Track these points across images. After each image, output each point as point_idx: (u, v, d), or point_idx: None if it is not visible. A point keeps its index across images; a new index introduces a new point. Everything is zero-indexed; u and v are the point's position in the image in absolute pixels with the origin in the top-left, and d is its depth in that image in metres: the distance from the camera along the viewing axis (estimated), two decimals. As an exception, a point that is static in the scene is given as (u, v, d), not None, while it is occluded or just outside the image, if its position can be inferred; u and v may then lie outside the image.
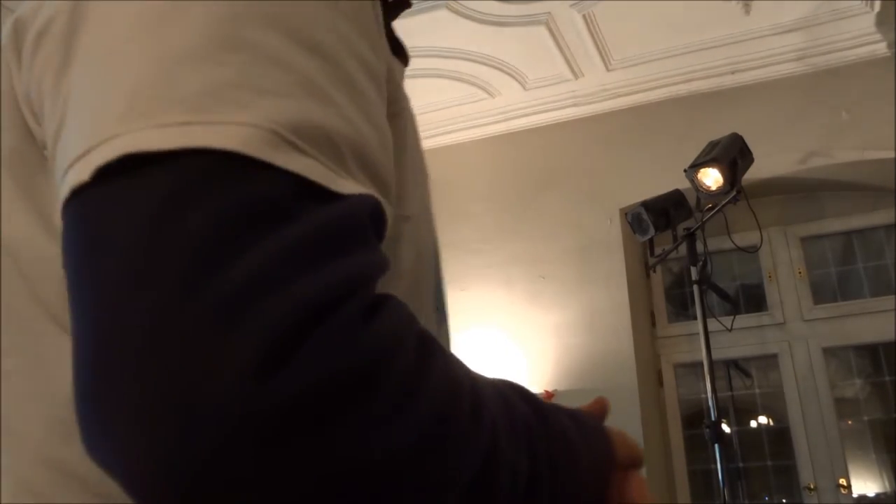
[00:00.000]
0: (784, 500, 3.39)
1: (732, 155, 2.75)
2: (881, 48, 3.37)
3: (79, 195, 0.34)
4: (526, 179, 3.81)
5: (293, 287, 0.31)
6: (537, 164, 3.83)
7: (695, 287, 2.83)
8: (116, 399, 0.30)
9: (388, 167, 0.41)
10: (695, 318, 2.82)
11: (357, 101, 0.39)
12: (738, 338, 3.38)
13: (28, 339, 0.44)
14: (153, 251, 0.32)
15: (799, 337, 3.42)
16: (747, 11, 3.32)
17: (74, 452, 0.36)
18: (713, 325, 2.87)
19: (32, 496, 0.42)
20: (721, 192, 2.77)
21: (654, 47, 3.50)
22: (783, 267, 3.53)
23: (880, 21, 3.31)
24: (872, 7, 3.27)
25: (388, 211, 0.39)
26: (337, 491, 0.31)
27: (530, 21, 3.38)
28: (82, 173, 0.34)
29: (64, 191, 0.35)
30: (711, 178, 2.78)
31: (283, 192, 0.34)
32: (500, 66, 3.71)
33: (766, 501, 3.47)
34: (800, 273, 3.51)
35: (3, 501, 0.42)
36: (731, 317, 3.09)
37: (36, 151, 0.44)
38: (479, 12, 3.35)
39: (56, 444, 0.41)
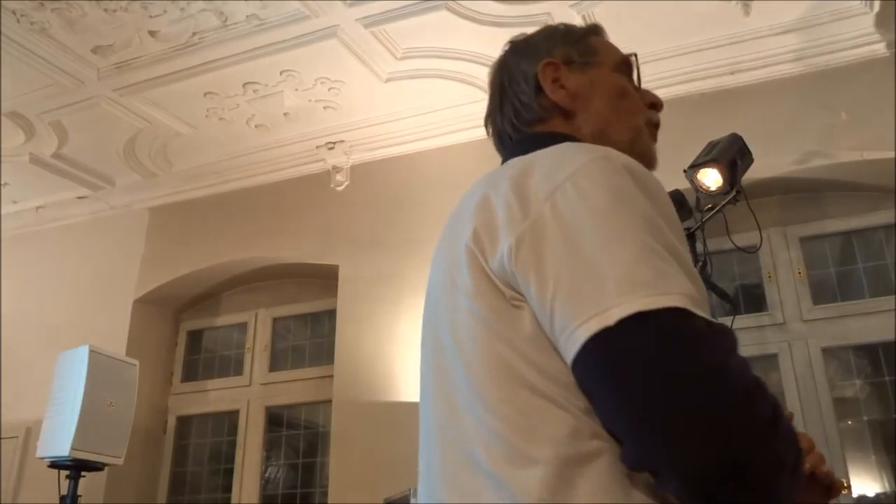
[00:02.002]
0: (784, 501, 3.39)
1: (732, 155, 2.75)
2: (880, 48, 3.38)
3: (605, 333, 0.69)
4: (526, 180, 3.81)
5: (741, 368, 0.70)
6: (537, 164, 3.82)
7: (695, 287, 2.82)
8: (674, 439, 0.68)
9: (706, 300, 0.77)
10: (694, 318, 2.81)
11: (688, 269, 0.75)
12: (738, 338, 3.37)
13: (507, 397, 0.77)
14: (673, 362, 0.68)
15: (798, 337, 3.42)
16: (747, 12, 3.32)
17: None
18: (713, 325, 2.86)
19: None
20: (721, 192, 2.77)
21: (653, 48, 3.50)
22: (783, 267, 3.53)
23: (879, 21, 3.31)
24: (871, 7, 3.27)
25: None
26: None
27: (530, 22, 3.38)
28: (608, 321, 0.69)
29: (585, 331, 0.70)
30: (711, 178, 2.78)
31: (703, 325, 0.70)
32: (499, 67, 3.70)
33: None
34: (799, 273, 3.51)
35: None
36: (731, 317, 3.09)
37: (504, 302, 0.79)
38: (479, 13, 3.35)
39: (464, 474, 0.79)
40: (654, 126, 1.07)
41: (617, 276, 0.70)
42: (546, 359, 0.74)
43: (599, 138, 0.96)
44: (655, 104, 1.08)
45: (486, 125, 1.11)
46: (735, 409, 0.66)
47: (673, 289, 0.70)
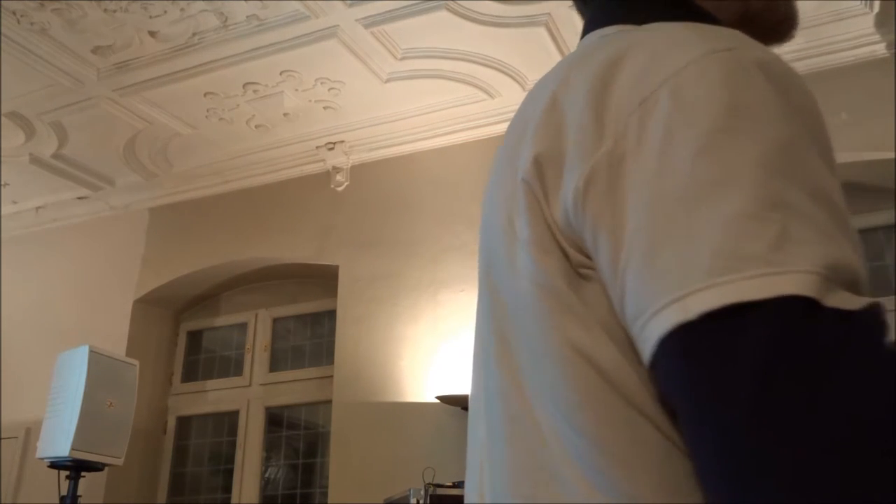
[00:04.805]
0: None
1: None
2: (881, 49, 3.38)
3: (684, 331, 0.45)
4: (526, 180, 3.82)
5: (879, 393, 0.42)
6: (537, 164, 3.83)
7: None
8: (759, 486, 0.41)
9: (864, 269, 0.50)
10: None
11: (845, 228, 0.49)
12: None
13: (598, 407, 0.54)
14: (782, 381, 0.42)
15: (799, 337, 3.41)
16: None
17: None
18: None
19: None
20: (721, 192, 2.76)
21: (653, 48, 3.50)
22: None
23: (880, 22, 3.31)
24: (872, 8, 3.27)
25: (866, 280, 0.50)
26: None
27: (530, 22, 3.38)
28: (687, 313, 0.45)
29: (660, 323, 0.46)
30: (711, 178, 2.77)
31: (835, 323, 0.44)
32: (499, 67, 3.71)
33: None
34: (799, 273, 3.51)
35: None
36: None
37: (571, 268, 0.55)
38: (479, 13, 3.35)
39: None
40: None
41: (714, 243, 0.46)
42: (624, 355, 0.53)
43: None
44: None
45: None
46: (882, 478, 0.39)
47: (800, 263, 0.44)
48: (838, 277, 0.45)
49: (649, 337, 0.48)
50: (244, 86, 3.84)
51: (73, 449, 3.10)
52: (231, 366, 4.61)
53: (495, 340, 0.64)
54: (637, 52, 0.55)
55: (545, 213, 0.56)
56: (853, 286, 0.46)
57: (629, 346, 0.51)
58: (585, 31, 0.70)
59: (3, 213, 4.98)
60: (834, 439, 0.40)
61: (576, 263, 0.55)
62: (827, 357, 0.43)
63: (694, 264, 0.46)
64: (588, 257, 0.54)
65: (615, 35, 0.61)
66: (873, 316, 0.45)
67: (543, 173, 0.57)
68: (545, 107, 0.59)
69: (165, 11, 3.35)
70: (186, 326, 4.82)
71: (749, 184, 0.47)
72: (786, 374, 0.42)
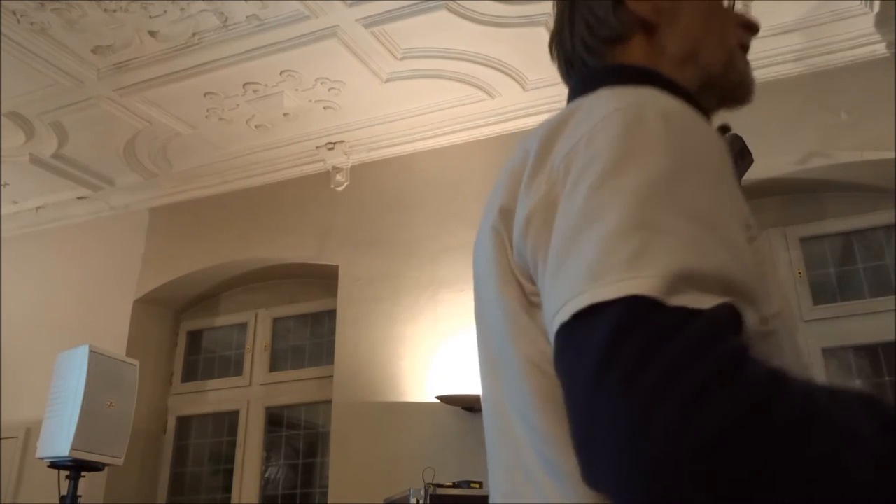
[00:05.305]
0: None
1: (732, 155, 2.75)
2: (880, 49, 3.38)
3: (563, 330, 0.57)
4: (526, 180, 3.82)
5: (689, 372, 0.51)
6: (537, 164, 3.83)
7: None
8: (609, 447, 0.52)
9: (748, 282, 0.60)
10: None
11: (725, 244, 0.59)
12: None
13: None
14: (613, 359, 0.52)
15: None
16: (747, 12, 3.32)
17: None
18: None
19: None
20: (721, 192, 2.76)
21: (653, 48, 3.50)
22: (783, 267, 3.53)
23: (879, 22, 3.31)
24: (872, 8, 3.27)
25: (743, 308, 0.58)
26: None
27: (530, 22, 3.38)
28: (565, 315, 0.57)
29: (554, 322, 0.58)
30: (711, 178, 2.77)
31: (672, 317, 0.54)
32: (499, 67, 3.71)
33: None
34: (799, 273, 3.51)
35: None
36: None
37: (525, 298, 0.69)
38: (479, 13, 3.35)
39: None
40: (745, 49, 0.91)
41: (589, 258, 0.58)
42: None
43: (689, 59, 0.84)
44: (751, 26, 0.93)
45: (550, 49, 0.95)
46: (671, 454, 0.49)
47: (647, 271, 0.55)
48: (695, 282, 0.55)
49: (552, 339, 0.60)
50: (244, 86, 3.84)
51: (73, 449, 3.10)
52: (231, 366, 4.61)
53: (484, 356, 0.79)
54: (582, 108, 0.69)
55: (508, 253, 0.70)
56: (726, 288, 0.56)
57: None
58: (569, 99, 0.85)
59: (3, 213, 4.98)
60: (646, 417, 0.50)
61: (528, 292, 0.68)
62: (655, 345, 0.52)
63: (576, 276, 0.58)
64: (534, 284, 0.67)
65: (575, 101, 0.73)
66: (717, 315, 0.55)
67: (507, 220, 0.71)
68: (516, 162, 0.72)
69: (165, 11, 3.35)
70: (186, 326, 4.82)
71: (620, 211, 0.58)
72: (617, 360, 0.52)
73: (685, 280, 0.55)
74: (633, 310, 0.54)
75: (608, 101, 0.67)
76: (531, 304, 0.68)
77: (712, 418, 0.49)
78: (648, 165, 0.61)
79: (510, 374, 0.70)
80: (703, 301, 0.54)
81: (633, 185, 0.59)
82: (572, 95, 0.84)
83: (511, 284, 0.70)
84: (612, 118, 0.65)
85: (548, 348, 0.62)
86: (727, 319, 0.56)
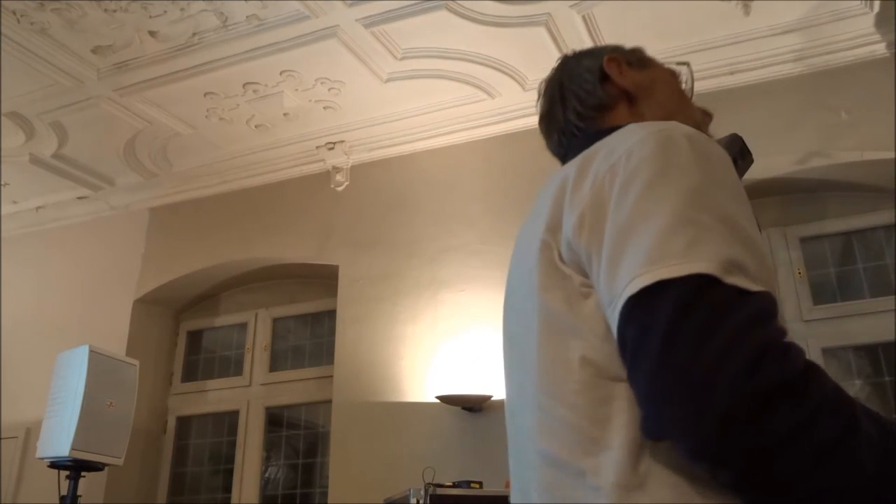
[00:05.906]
0: (784, 501, 3.38)
1: (732, 155, 2.71)
2: (880, 49, 3.38)
3: (631, 302, 0.71)
4: (525, 180, 3.80)
5: (749, 339, 0.66)
6: (537, 164, 3.81)
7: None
8: (676, 401, 0.67)
9: (767, 273, 0.74)
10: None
11: (743, 240, 0.73)
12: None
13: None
14: (682, 326, 0.67)
15: (798, 337, 3.38)
16: (747, 12, 3.32)
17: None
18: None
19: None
20: (721, 192, 2.76)
21: (653, 48, 3.47)
22: (783, 267, 3.53)
23: (879, 22, 3.31)
24: (871, 7, 3.27)
25: (776, 294, 0.73)
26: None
27: (530, 22, 3.38)
28: (632, 290, 0.70)
29: (622, 297, 0.72)
30: (711, 178, 2.77)
31: (731, 293, 0.68)
32: (499, 67, 3.71)
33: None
34: (799, 273, 3.51)
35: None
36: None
37: (575, 291, 0.81)
38: (479, 13, 3.35)
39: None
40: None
41: (649, 246, 0.71)
42: (612, 346, 0.76)
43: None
44: (707, 114, 1.15)
45: (540, 126, 1.12)
46: (735, 398, 0.64)
47: (703, 256, 0.69)
48: (735, 269, 0.70)
49: (615, 315, 0.73)
50: (244, 86, 3.84)
51: (73, 449, 3.10)
52: (231, 366, 4.61)
53: (513, 358, 0.92)
54: (607, 143, 0.85)
55: (555, 256, 0.83)
56: (759, 280, 0.71)
57: (612, 342, 0.76)
58: (569, 158, 0.97)
59: (3, 213, 4.98)
60: (713, 375, 0.64)
61: (579, 284, 0.80)
62: (717, 314, 0.67)
63: (637, 261, 0.72)
64: (587, 277, 0.80)
65: (592, 147, 0.89)
66: (764, 297, 0.70)
67: (555, 232, 0.84)
68: (555, 191, 0.87)
69: (165, 11, 3.35)
70: (186, 326, 4.82)
71: (671, 210, 0.73)
72: (685, 327, 0.67)
73: (734, 265, 0.70)
74: (695, 286, 0.68)
75: (639, 129, 0.83)
76: (581, 294, 0.80)
77: (769, 378, 0.64)
78: (685, 176, 0.76)
79: (542, 365, 0.82)
80: (750, 285, 0.69)
81: (678, 191, 0.74)
82: (576, 152, 0.94)
83: (557, 287, 0.83)
84: (648, 140, 0.80)
85: (594, 337, 0.77)
86: (773, 303, 0.71)
